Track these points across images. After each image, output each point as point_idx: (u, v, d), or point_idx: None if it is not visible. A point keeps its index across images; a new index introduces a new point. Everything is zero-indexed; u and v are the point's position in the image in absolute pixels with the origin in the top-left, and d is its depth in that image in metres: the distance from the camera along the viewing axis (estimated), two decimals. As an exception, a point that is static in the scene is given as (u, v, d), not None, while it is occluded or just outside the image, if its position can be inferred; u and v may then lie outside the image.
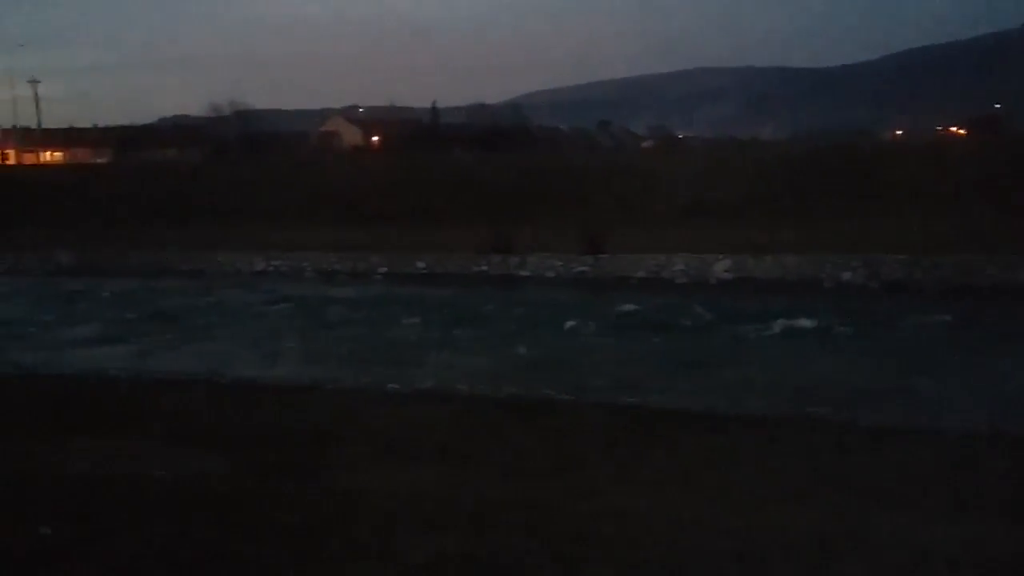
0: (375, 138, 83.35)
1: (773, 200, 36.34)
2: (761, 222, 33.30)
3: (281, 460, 9.50)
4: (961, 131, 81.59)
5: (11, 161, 70.76)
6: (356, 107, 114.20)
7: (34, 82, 76.50)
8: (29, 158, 73.93)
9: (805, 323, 21.84)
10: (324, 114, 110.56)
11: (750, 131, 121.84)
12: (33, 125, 78.73)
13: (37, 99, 76.43)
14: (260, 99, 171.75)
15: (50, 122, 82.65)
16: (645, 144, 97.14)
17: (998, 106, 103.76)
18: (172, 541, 6.30)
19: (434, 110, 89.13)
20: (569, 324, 22.75)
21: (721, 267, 29.54)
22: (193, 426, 11.44)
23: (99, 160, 76.67)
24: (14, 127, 79.95)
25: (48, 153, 78.57)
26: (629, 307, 24.82)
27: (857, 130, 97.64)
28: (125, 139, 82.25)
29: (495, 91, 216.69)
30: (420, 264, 33.13)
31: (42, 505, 7.34)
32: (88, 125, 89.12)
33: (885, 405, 14.29)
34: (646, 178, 41.21)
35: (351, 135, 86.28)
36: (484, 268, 32.27)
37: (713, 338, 21.16)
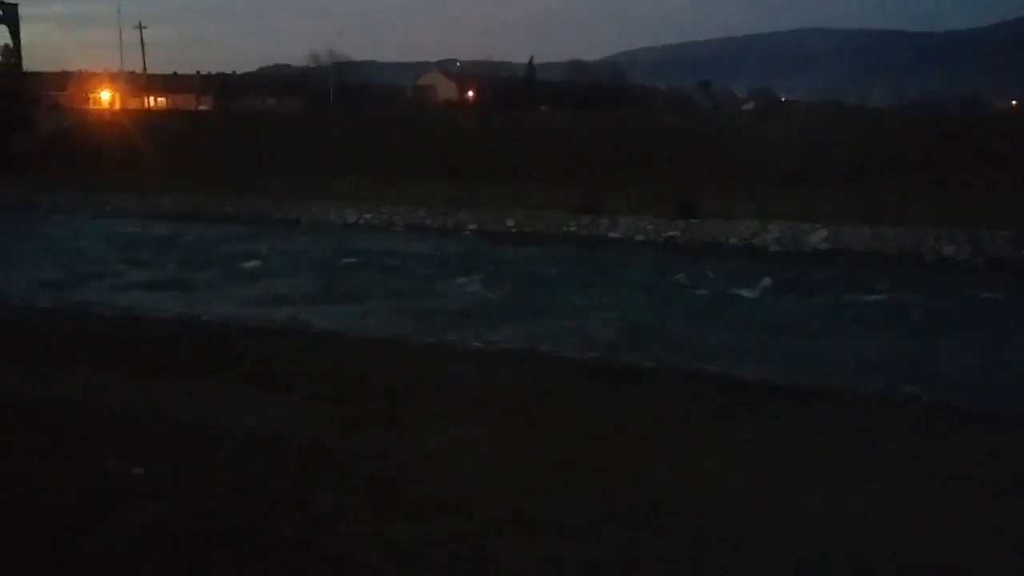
0: (470, 93, 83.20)
1: (876, 170, 35.25)
2: (863, 192, 32.35)
3: (364, 413, 9.56)
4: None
5: (117, 105, 72.63)
6: (453, 61, 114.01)
7: (141, 27, 78.14)
8: (134, 103, 75.81)
9: (891, 296, 21.29)
10: (421, 67, 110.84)
11: (857, 97, 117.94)
12: (139, 70, 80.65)
13: (143, 44, 78.20)
14: (359, 50, 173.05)
15: (155, 68, 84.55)
16: (745, 106, 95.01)
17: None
18: (256, 488, 6.40)
19: (530, 66, 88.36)
20: (655, 287, 22.58)
21: (817, 237, 28.77)
22: (281, 375, 11.64)
23: (200, 107, 78.33)
24: (120, 72, 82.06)
25: (152, 99, 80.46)
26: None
27: (969, 99, 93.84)
28: (226, 87, 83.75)
29: (594, 48, 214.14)
30: (510, 222, 33.04)
31: (136, 445, 7.50)
32: (191, 71, 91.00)
33: (984, 390, 13.78)
34: (744, 142, 40.33)
35: (446, 89, 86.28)
36: (573, 228, 32.03)
37: (799, 308, 20.78)
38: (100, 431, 7.93)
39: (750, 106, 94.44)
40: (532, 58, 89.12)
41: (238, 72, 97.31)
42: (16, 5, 59.13)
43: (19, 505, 5.87)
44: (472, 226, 33.31)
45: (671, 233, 30.61)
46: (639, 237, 30.83)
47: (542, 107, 67.88)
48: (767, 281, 23.36)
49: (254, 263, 27.11)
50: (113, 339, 14.58)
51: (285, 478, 6.65)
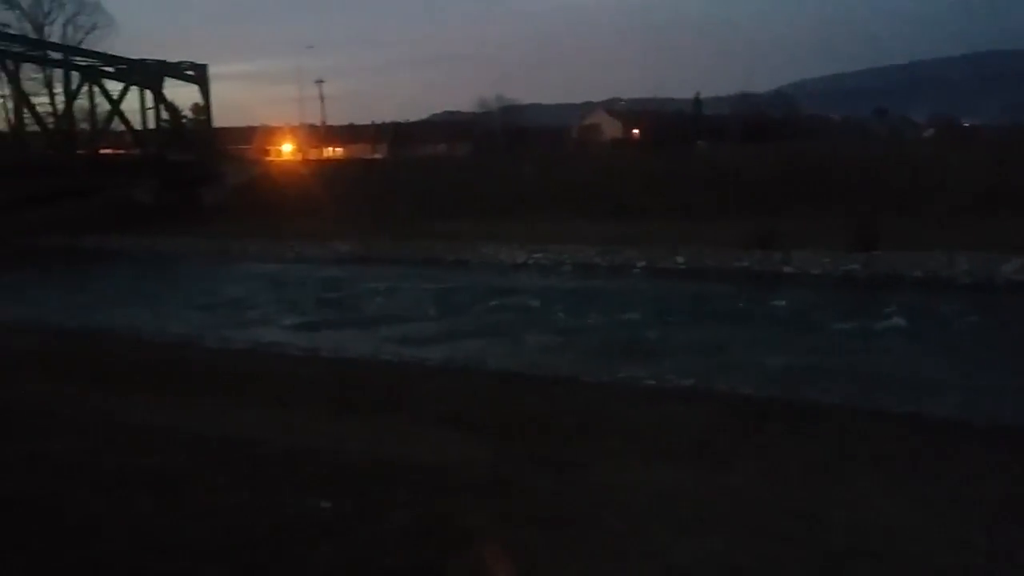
0: (636, 130, 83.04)
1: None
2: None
3: (541, 451, 9.57)
4: None
5: (298, 156, 76.19)
6: (618, 99, 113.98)
7: (319, 82, 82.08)
8: (313, 153, 79.40)
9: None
10: (586, 107, 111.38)
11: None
12: (318, 122, 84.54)
13: (322, 98, 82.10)
14: (526, 93, 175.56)
15: (333, 119, 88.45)
16: (926, 133, 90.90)
17: None
18: (437, 522, 6.48)
19: (697, 101, 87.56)
20: (839, 325, 21.68)
21: (1011, 268, 27.09)
22: (459, 412, 11.74)
23: (375, 155, 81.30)
24: (301, 124, 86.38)
25: (330, 149, 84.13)
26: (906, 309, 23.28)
27: None
28: (398, 135, 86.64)
29: (763, 80, 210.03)
30: (679, 259, 32.60)
31: (322, 480, 7.71)
32: (366, 122, 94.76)
33: None
34: (924, 170, 38.51)
35: (612, 128, 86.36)
36: (745, 264, 31.29)
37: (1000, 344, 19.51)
38: (289, 467, 8.18)
39: (930, 133, 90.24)
40: (698, 93, 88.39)
41: (410, 120, 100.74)
42: (206, 65, 63.04)
43: (216, 537, 6.09)
44: (641, 263, 33.02)
45: (850, 267, 29.45)
46: (815, 271, 29.79)
47: (699, 142, 66.95)
48: (965, 315, 22.14)
49: (427, 304, 27.67)
50: (297, 377, 15.06)
51: (466, 515, 6.69)
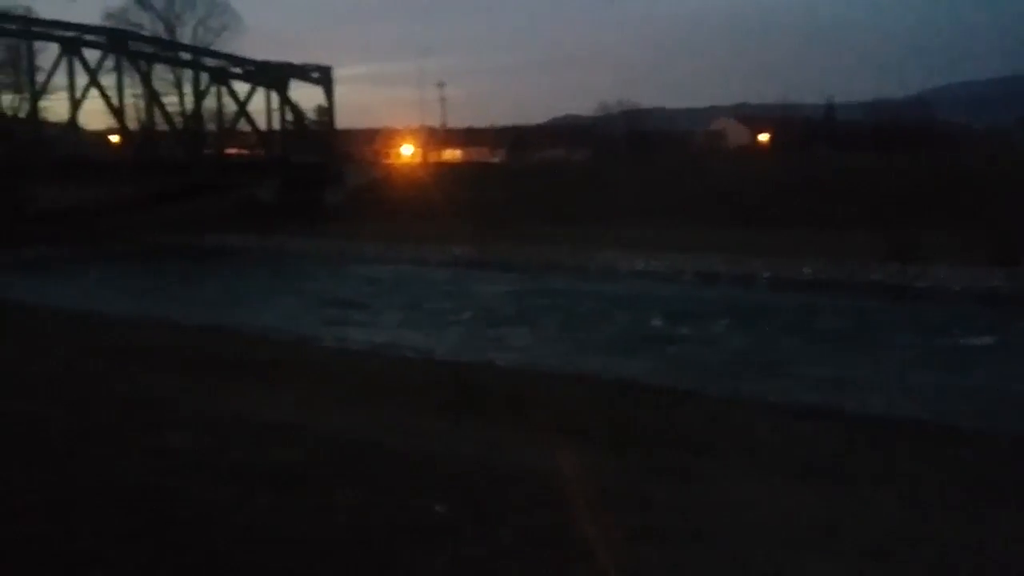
0: (763, 137, 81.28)
1: None
2: None
3: (658, 462, 9.31)
4: None
5: (418, 159, 77.10)
6: (745, 104, 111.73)
7: (440, 84, 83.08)
8: (433, 156, 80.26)
9: None
10: (712, 112, 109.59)
11: None
12: (438, 125, 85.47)
13: (443, 101, 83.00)
14: (649, 97, 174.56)
15: (454, 122, 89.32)
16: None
17: None
18: (550, 531, 6.36)
19: (829, 107, 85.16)
20: (983, 341, 20.56)
21: None
22: (575, 421, 11.52)
23: (494, 159, 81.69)
24: (421, 127, 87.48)
25: (450, 152, 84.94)
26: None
27: None
28: (518, 138, 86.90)
29: (900, 85, 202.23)
30: (806, 270, 31.51)
31: (438, 482, 7.64)
32: (486, 125, 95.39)
33: None
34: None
35: (738, 134, 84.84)
36: (878, 277, 30.02)
37: None
38: (404, 469, 8.14)
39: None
40: (830, 98, 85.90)
41: (530, 124, 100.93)
42: (331, 68, 64.36)
43: (331, 535, 6.12)
44: (766, 274, 32.06)
45: (993, 283, 27.92)
46: (954, 286, 28.33)
47: (824, 149, 64.97)
48: None
49: (540, 309, 27.43)
50: (414, 380, 14.99)
51: (583, 526, 6.49)
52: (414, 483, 7.62)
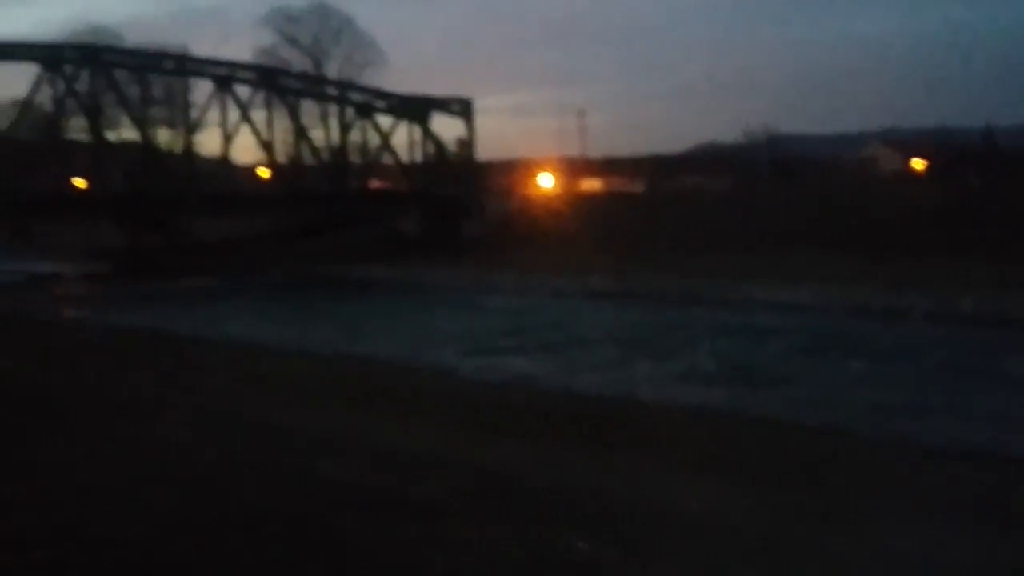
0: (916, 163, 78.25)
1: None
2: None
3: (807, 504, 8.99)
4: None
5: (557, 189, 77.29)
6: (896, 129, 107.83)
7: (581, 114, 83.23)
8: (572, 186, 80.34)
9: None
10: (861, 138, 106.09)
11: None
12: (577, 155, 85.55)
13: (583, 130, 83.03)
14: (794, 123, 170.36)
15: (594, 152, 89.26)
16: None
17: None
18: (704, 572, 6.31)
19: (987, 131, 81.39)
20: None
21: None
22: (721, 458, 11.26)
23: (633, 188, 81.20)
24: (560, 157, 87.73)
25: (589, 182, 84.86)
26: None
27: None
28: (657, 167, 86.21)
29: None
30: (967, 303, 29.80)
31: (581, 518, 7.61)
32: (626, 154, 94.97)
33: None
34: None
35: (889, 160, 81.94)
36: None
37: None
38: (546, 503, 8.15)
39: None
40: (989, 122, 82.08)
41: (671, 152, 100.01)
42: (471, 101, 65.26)
43: (474, 568, 6.24)
44: (922, 307, 30.50)
45: None
46: None
47: (973, 176, 61.83)
48: None
49: (679, 342, 26.86)
50: (554, 414, 14.83)
51: (733, 570, 6.46)
52: (557, 518, 7.59)
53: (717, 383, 20.68)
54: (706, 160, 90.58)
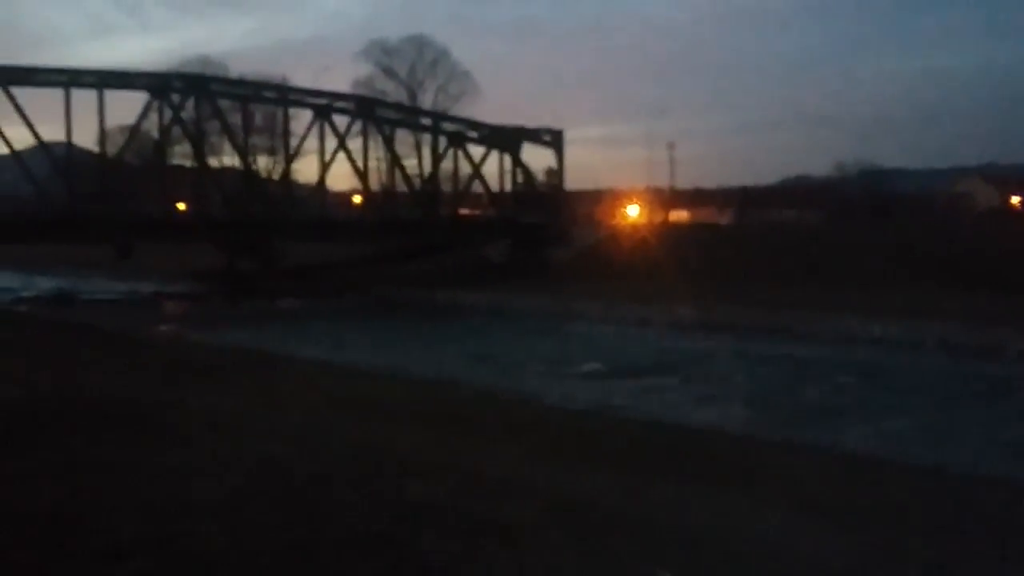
0: (1016, 199, 76.00)
1: None
2: None
3: (903, 546, 8.61)
4: None
5: (643, 220, 77.12)
6: (993, 164, 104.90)
7: (670, 145, 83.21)
8: (659, 217, 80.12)
9: None
10: (956, 173, 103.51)
11: None
12: (666, 186, 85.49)
13: (672, 161, 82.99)
14: (888, 158, 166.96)
15: (682, 183, 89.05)
16: None
17: None
18: None
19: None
20: None
21: None
22: (814, 495, 10.94)
23: (722, 220, 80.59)
24: (648, 188, 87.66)
25: (676, 213, 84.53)
26: None
27: None
28: (746, 199, 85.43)
29: None
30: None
31: (661, 548, 7.57)
32: (714, 185, 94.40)
33: None
34: None
35: (987, 195, 79.72)
36: None
37: None
38: (626, 531, 8.10)
39: None
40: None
41: (759, 184, 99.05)
42: (562, 131, 65.78)
43: None
44: (1020, 345, 29.68)
45: None
46: None
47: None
48: None
49: (767, 376, 26.62)
50: (640, 442, 14.77)
51: None
52: (638, 547, 7.58)
53: (798, 417, 20.48)
54: (796, 193, 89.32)
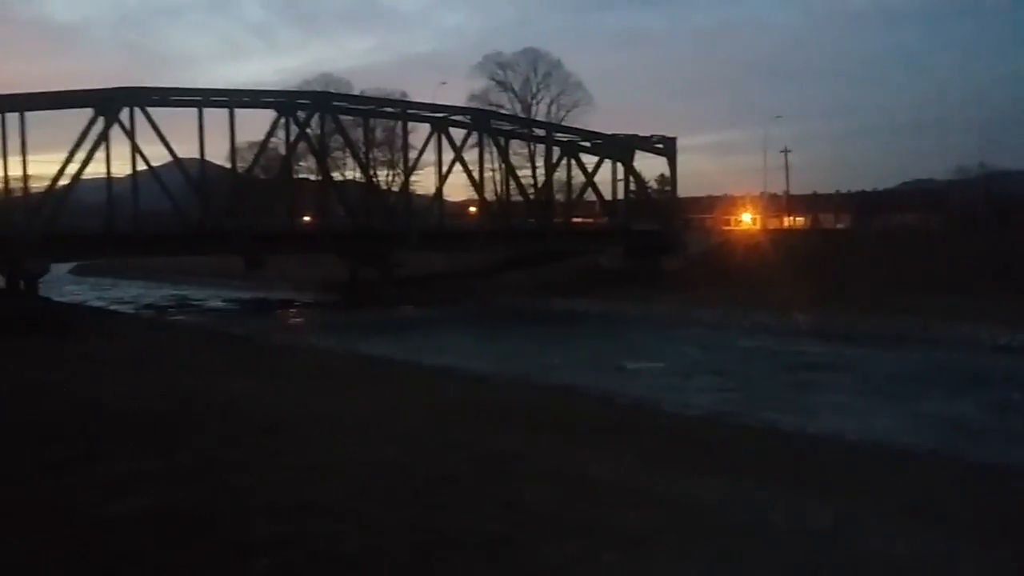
0: None
1: None
2: None
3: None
4: None
5: (757, 226, 76.03)
6: None
7: (785, 151, 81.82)
8: (773, 223, 78.79)
9: None
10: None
11: None
12: (780, 192, 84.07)
13: (787, 167, 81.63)
14: (1014, 159, 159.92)
15: (798, 188, 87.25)
16: None
17: None
18: None
19: None
20: None
21: None
22: (930, 503, 10.85)
23: (838, 225, 78.75)
24: (762, 193, 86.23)
25: (791, 218, 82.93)
26: None
27: None
28: (864, 204, 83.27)
29: None
30: None
31: (783, 556, 7.65)
32: (831, 190, 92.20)
33: None
34: None
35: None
36: None
37: None
38: (739, 536, 8.21)
39: None
40: None
41: (877, 189, 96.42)
42: (675, 139, 65.55)
43: None
44: None
45: None
46: None
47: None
48: None
49: (883, 382, 26.24)
50: (759, 451, 14.77)
51: None
52: (758, 556, 7.68)
53: (917, 424, 20.15)
54: (916, 197, 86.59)
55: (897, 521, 9.28)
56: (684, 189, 73.34)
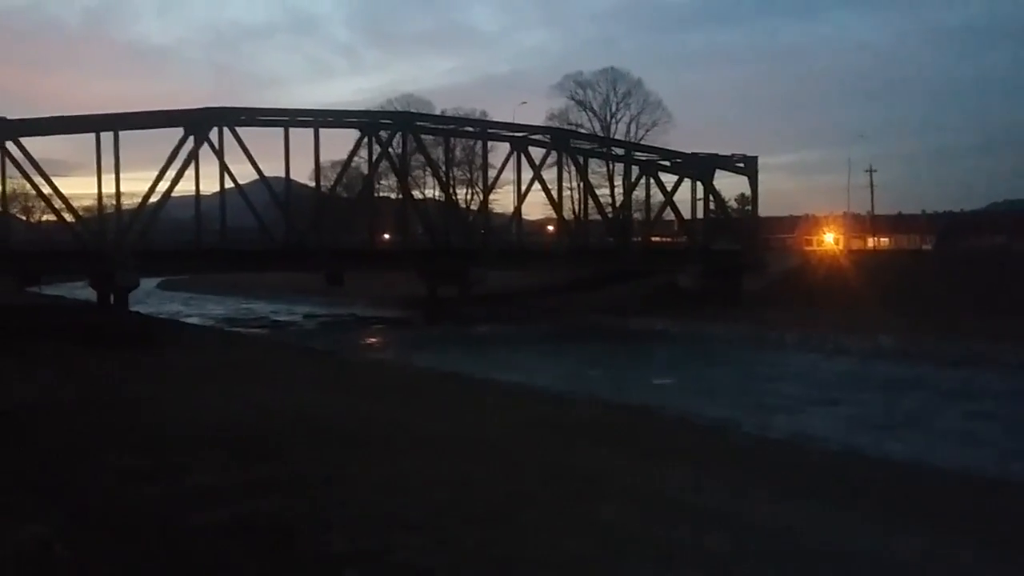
0: None
1: None
2: None
3: None
4: None
5: (840, 246, 74.88)
6: None
7: (870, 171, 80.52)
8: (857, 244, 77.53)
9: None
10: None
11: None
12: (864, 212, 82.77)
13: (872, 187, 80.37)
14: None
15: (883, 209, 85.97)
16: None
17: None
18: None
19: None
20: None
21: None
22: (998, 528, 10.67)
23: (924, 246, 77.13)
24: (845, 214, 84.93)
25: (876, 239, 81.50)
26: None
27: None
28: (950, 225, 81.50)
29: None
30: None
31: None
32: (917, 211, 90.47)
33: None
34: None
35: None
36: None
37: None
38: (828, 563, 8.22)
39: None
40: None
41: (964, 210, 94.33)
42: (756, 158, 64.87)
43: None
44: None
45: None
46: None
47: None
48: None
49: (959, 406, 25.59)
50: (844, 477, 14.61)
51: None
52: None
53: (995, 452, 19.57)
54: (1006, 218, 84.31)
55: None
56: (765, 209, 72.82)
